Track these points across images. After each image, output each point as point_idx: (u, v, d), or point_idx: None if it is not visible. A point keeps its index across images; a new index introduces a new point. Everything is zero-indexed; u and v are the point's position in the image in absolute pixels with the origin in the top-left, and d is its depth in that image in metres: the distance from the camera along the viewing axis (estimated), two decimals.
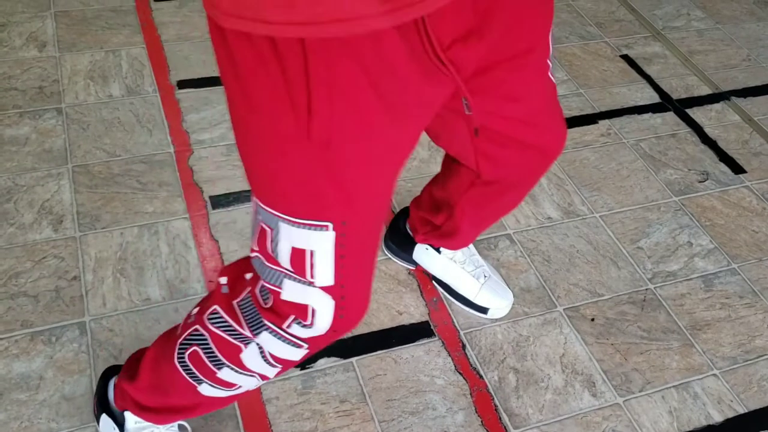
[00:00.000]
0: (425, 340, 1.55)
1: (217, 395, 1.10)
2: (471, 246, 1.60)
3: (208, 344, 1.04)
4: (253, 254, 0.96)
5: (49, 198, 1.72)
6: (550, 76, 1.11)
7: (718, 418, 1.49)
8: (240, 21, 0.72)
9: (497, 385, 1.49)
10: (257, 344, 1.00)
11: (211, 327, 1.04)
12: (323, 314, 0.95)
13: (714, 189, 1.99)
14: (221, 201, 1.76)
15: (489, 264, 1.64)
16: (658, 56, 2.44)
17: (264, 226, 0.91)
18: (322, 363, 1.48)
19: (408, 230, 1.62)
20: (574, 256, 1.76)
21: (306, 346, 1.00)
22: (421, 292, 1.64)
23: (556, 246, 1.78)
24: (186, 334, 1.08)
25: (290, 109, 0.77)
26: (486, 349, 1.55)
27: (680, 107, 2.24)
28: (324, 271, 0.90)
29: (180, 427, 1.27)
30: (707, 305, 1.69)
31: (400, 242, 1.65)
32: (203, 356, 1.05)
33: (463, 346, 1.55)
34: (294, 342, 0.99)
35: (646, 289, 1.71)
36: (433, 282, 1.64)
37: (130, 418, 1.21)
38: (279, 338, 0.98)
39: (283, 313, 0.96)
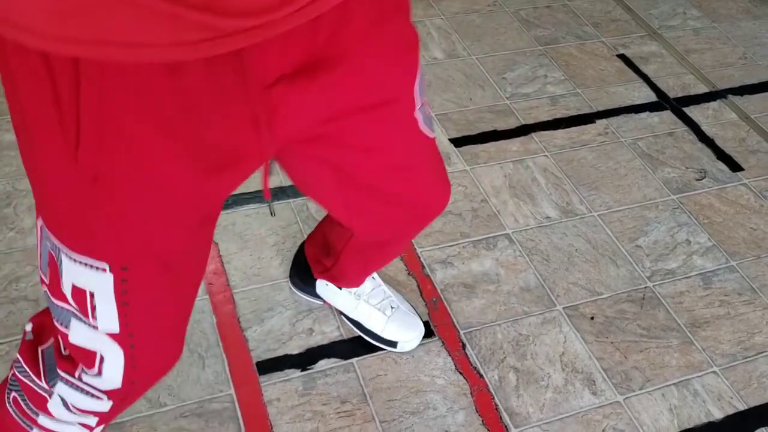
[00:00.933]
0: (425, 340, 1.55)
1: None
2: (375, 275, 1.52)
3: (20, 391, 1.00)
4: (43, 287, 0.86)
5: None
6: (424, 130, 0.99)
7: (718, 415, 1.49)
8: (9, 29, 0.58)
9: (497, 384, 1.49)
10: (58, 395, 0.94)
11: (18, 375, 0.99)
12: (112, 364, 0.87)
13: (712, 187, 1.99)
14: None
15: (396, 293, 1.57)
16: (654, 55, 2.45)
17: (51, 253, 0.81)
18: (323, 364, 1.48)
19: (308, 265, 1.54)
20: (573, 255, 1.76)
21: (106, 398, 0.93)
22: (420, 292, 1.64)
23: (554, 245, 1.78)
24: (8, 377, 1.03)
25: (60, 135, 0.69)
26: (486, 348, 1.55)
27: (677, 106, 2.25)
28: (106, 316, 0.82)
29: None
30: (706, 303, 1.70)
31: (303, 278, 1.56)
32: (21, 403, 1.00)
33: (463, 346, 1.55)
34: (90, 393, 0.92)
35: (645, 288, 1.71)
36: (342, 317, 1.56)
37: None
38: (75, 389, 0.92)
39: (75, 359, 0.89)
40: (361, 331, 1.53)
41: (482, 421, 1.43)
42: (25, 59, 0.66)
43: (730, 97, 2.31)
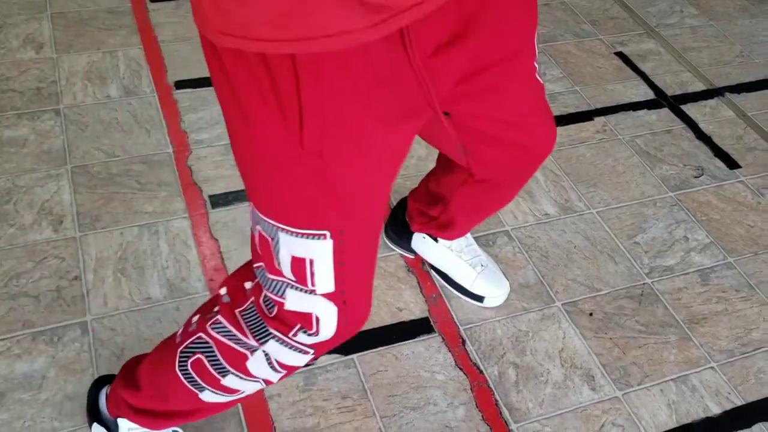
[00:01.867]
0: (425, 336, 1.56)
1: (218, 401, 1.11)
2: (468, 236, 1.62)
3: (213, 352, 1.05)
4: (256, 265, 0.98)
5: (48, 198, 1.72)
6: (538, 77, 1.12)
7: (716, 410, 1.50)
8: (231, 39, 0.72)
9: (497, 379, 1.50)
10: (264, 352, 1.01)
11: (215, 335, 1.04)
12: (327, 321, 0.96)
13: (709, 184, 2.00)
14: (220, 200, 1.77)
15: (486, 254, 1.66)
16: (652, 53, 2.46)
17: (264, 235, 0.92)
18: (324, 360, 1.49)
19: (406, 220, 1.63)
20: (572, 251, 1.77)
21: (312, 351, 1.01)
22: (420, 288, 1.65)
23: (553, 242, 1.79)
24: (188, 342, 1.08)
25: (282, 123, 0.79)
26: (486, 344, 1.56)
27: (675, 103, 2.26)
28: (324, 278, 0.92)
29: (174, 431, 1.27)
30: (704, 299, 1.71)
31: (400, 232, 1.66)
32: (207, 364, 1.06)
33: (463, 342, 1.56)
34: (300, 348, 1.00)
35: (644, 284, 1.72)
36: (431, 270, 1.66)
37: (124, 425, 1.21)
38: (285, 346, 1.00)
39: (288, 322, 0.97)
40: (450, 284, 1.63)
41: (482, 416, 1.44)
42: (243, 63, 0.76)
43: (728, 94, 2.32)
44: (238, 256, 1.65)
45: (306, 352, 1.01)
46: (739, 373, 1.57)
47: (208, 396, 1.09)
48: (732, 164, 2.07)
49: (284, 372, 1.05)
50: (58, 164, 1.80)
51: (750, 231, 1.89)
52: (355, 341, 1.51)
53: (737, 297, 1.72)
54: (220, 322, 1.03)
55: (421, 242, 1.62)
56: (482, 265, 1.61)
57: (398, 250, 1.69)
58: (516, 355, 1.55)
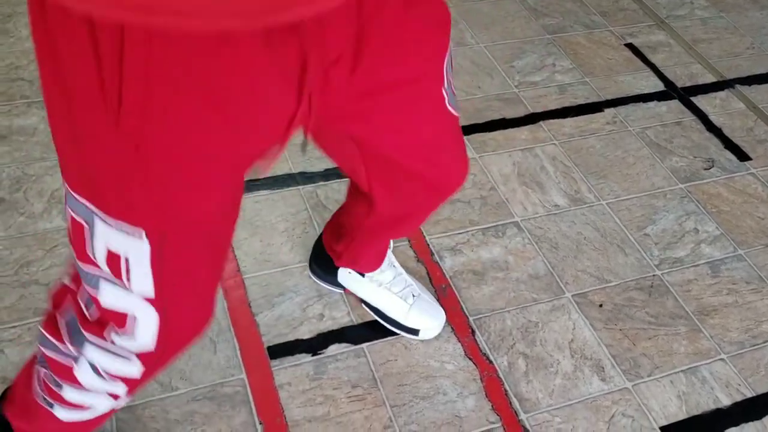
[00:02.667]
0: None
1: (76, 419, 1.04)
2: (396, 265, 1.53)
3: (46, 365, 0.99)
4: (71, 254, 0.87)
5: (58, 187, 1.72)
6: (449, 107, 1.01)
7: (726, 401, 1.50)
8: None
9: (507, 370, 1.50)
10: (86, 360, 0.94)
11: (42, 348, 0.99)
12: (145, 326, 0.87)
13: (719, 176, 1.99)
14: None
15: (418, 282, 1.57)
16: (662, 45, 2.45)
17: (77, 218, 0.81)
18: (334, 349, 1.49)
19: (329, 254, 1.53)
20: (582, 243, 1.77)
21: (137, 360, 0.92)
22: (430, 279, 1.65)
23: (563, 233, 1.79)
24: (35, 357, 1.04)
25: (101, 99, 0.69)
26: (495, 334, 1.56)
27: (685, 95, 2.25)
28: (142, 281, 0.82)
29: None
30: (714, 291, 1.70)
31: (324, 266, 1.55)
32: (47, 378, 1.01)
33: (473, 332, 1.56)
34: (120, 355, 0.92)
35: (654, 276, 1.72)
36: (363, 305, 1.56)
37: None
38: (104, 351, 0.91)
39: (103, 321, 0.89)
40: (383, 319, 1.53)
41: (492, 406, 1.44)
42: (67, 23, 0.65)
43: (738, 86, 2.31)
44: (247, 245, 1.65)
45: (129, 359, 0.91)
46: (750, 365, 1.57)
47: (62, 413, 1.02)
48: (743, 156, 2.06)
49: (121, 384, 0.96)
50: None
51: (760, 223, 1.88)
52: (365, 330, 1.52)
53: (747, 289, 1.72)
54: (42, 334, 0.97)
55: (347, 277, 1.52)
56: (414, 296, 1.51)
57: (325, 286, 1.58)
58: (526, 346, 1.55)
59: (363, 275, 1.50)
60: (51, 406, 1.03)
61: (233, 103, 0.72)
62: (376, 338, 1.52)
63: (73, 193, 0.79)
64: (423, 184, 1.12)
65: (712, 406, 1.49)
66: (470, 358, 1.51)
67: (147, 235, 0.78)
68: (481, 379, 1.48)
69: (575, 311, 1.62)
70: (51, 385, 1.00)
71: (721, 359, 1.57)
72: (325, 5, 0.62)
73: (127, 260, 0.80)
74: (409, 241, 1.70)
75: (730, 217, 1.89)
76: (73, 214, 0.81)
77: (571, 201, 1.87)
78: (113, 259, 0.80)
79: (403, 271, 1.54)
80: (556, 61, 2.30)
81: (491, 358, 1.52)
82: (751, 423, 1.47)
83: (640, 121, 2.13)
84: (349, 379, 1.45)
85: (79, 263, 0.84)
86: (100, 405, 1.02)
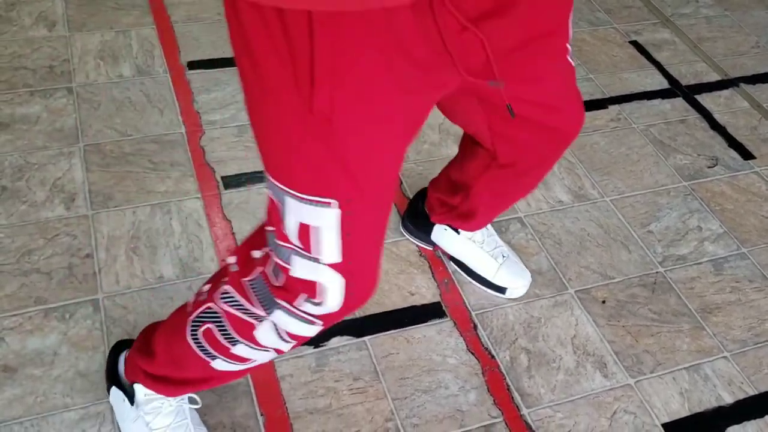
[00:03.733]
0: (437, 321, 1.55)
1: (230, 369, 1.11)
2: (489, 226, 1.60)
3: (221, 322, 1.05)
4: (268, 228, 0.97)
5: (60, 176, 1.72)
6: (569, 59, 1.11)
7: (728, 399, 1.50)
8: None
9: (509, 365, 1.50)
10: (271, 321, 1.00)
11: (223, 305, 1.04)
12: (333, 292, 0.95)
13: (723, 174, 1.99)
14: (233, 181, 1.76)
15: (507, 245, 1.65)
16: (667, 42, 2.44)
17: (273, 199, 0.91)
18: (336, 342, 1.48)
19: (426, 211, 1.62)
20: (585, 239, 1.76)
21: (320, 322, 1.00)
22: (432, 273, 1.64)
23: (567, 229, 1.78)
24: (198, 312, 1.08)
25: (294, 84, 0.77)
26: (498, 329, 1.55)
27: (689, 93, 2.24)
28: (330, 248, 0.90)
29: (190, 399, 1.27)
30: (717, 289, 1.70)
31: (418, 223, 1.65)
32: (217, 334, 1.06)
33: (475, 327, 1.55)
34: (307, 319, 0.99)
35: (657, 273, 1.71)
36: (451, 262, 1.64)
37: (140, 390, 1.22)
38: (292, 316, 0.98)
39: (293, 290, 0.96)
40: (470, 276, 1.62)
41: (494, 401, 1.44)
42: (258, 15, 0.74)
43: (743, 85, 2.30)
44: None
45: (313, 323, 0.99)
46: (752, 363, 1.56)
47: (220, 364, 1.09)
48: (746, 155, 2.06)
49: (293, 342, 1.04)
50: (71, 142, 1.80)
51: (764, 221, 1.88)
52: (367, 324, 1.52)
53: (751, 287, 1.71)
54: (228, 292, 1.03)
55: (441, 234, 1.61)
56: (504, 256, 1.60)
57: (416, 242, 1.67)
58: (528, 341, 1.54)
59: (458, 232, 1.57)
60: (213, 358, 1.08)
61: (401, 65, 0.80)
62: (378, 331, 1.51)
63: (269, 177, 0.89)
64: (547, 134, 1.20)
65: (714, 404, 1.49)
66: (472, 353, 1.51)
67: (339, 204, 0.86)
68: (483, 373, 1.48)
69: (578, 307, 1.62)
70: (221, 340, 1.05)
71: (724, 357, 1.57)
72: None
73: (318, 229, 0.88)
74: (405, 235, 1.69)
75: (733, 215, 1.88)
76: (271, 195, 0.91)
77: (574, 197, 1.86)
78: (304, 231, 0.89)
79: (494, 232, 1.63)
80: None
81: (493, 352, 1.51)
82: (753, 421, 1.47)
83: (645, 118, 2.13)
84: (351, 372, 1.44)
85: (276, 240, 0.93)
86: (262, 359, 1.09)
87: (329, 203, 0.86)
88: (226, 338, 1.05)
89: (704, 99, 2.23)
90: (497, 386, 1.46)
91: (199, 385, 1.18)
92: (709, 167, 2.01)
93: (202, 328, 1.07)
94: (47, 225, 1.61)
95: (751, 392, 1.51)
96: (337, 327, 1.50)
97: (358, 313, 1.54)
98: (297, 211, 0.88)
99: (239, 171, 1.78)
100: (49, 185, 1.69)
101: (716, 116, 2.17)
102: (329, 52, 0.75)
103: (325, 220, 0.88)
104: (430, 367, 1.47)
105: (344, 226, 0.89)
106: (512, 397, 1.45)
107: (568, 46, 1.09)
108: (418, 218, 1.65)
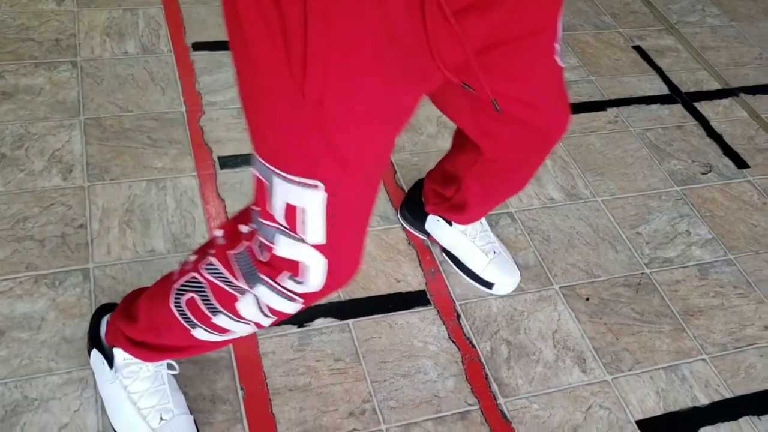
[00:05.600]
0: (421, 308, 1.57)
1: (209, 339, 1.13)
2: (483, 222, 1.63)
3: (204, 292, 1.07)
4: (254, 208, 0.99)
5: (60, 147, 1.74)
6: (557, 59, 1.12)
7: (704, 400, 1.51)
8: None
9: (489, 355, 1.52)
10: (254, 295, 1.03)
11: (208, 276, 1.06)
12: (315, 272, 0.97)
13: (716, 181, 2.00)
14: (229, 162, 1.78)
15: (500, 242, 1.67)
16: (670, 49, 2.45)
17: (260, 178, 0.93)
18: (319, 323, 1.51)
19: (422, 201, 1.64)
20: (574, 237, 1.78)
21: (300, 300, 1.02)
22: (419, 262, 1.66)
23: (556, 226, 1.80)
24: (183, 280, 1.10)
25: (286, 65, 0.79)
26: (480, 320, 1.57)
27: (688, 100, 2.26)
28: (315, 229, 0.92)
29: (168, 365, 1.29)
30: (701, 293, 1.72)
31: (415, 212, 1.67)
32: (199, 302, 1.08)
33: (458, 316, 1.57)
34: (288, 296, 1.01)
35: (642, 274, 1.73)
36: (443, 254, 1.66)
37: (119, 354, 1.25)
38: (274, 291, 1.01)
39: (277, 267, 0.98)
40: (459, 268, 1.64)
41: (471, 389, 1.46)
42: (253, 0, 0.76)
43: (743, 95, 2.31)
44: None
45: (294, 300, 1.01)
46: (730, 367, 1.58)
47: (201, 334, 1.11)
48: (741, 164, 2.07)
49: (274, 318, 1.06)
50: (72, 115, 1.82)
51: (753, 230, 1.89)
52: (351, 307, 1.54)
53: (735, 293, 1.73)
54: (213, 264, 1.05)
55: (435, 224, 1.63)
56: (495, 252, 1.62)
57: (412, 231, 1.70)
58: (510, 333, 1.56)
59: (450, 224, 1.59)
60: (193, 327, 1.10)
61: (390, 54, 0.81)
62: (362, 315, 1.53)
63: (258, 156, 0.91)
64: (530, 133, 1.21)
65: (690, 404, 1.50)
66: (453, 341, 1.53)
67: (325, 186, 0.88)
68: (462, 361, 1.50)
69: (561, 303, 1.64)
70: (203, 309, 1.07)
71: (703, 359, 1.59)
72: None
73: (303, 211, 0.90)
74: (401, 223, 1.71)
75: (723, 222, 1.90)
76: (257, 173, 0.92)
77: (566, 195, 1.88)
78: (291, 212, 0.91)
79: (488, 228, 1.64)
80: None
81: (474, 342, 1.53)
82: (726, 423, 1.49)
83: (642, 122, 2.14)
84: (332, 353, 1.46)
85: (260, 219, 0.95)
86: (242, 331, 1.11)
87: (316, 186, 0.88)
88: (208, 308, 1.07)
89: (703, 107, 2.25)
90: (476, 375, 1.48)
91: (177, 352, 1.20)
92: (702, 174, 2.02)
93: (186, 297, 1.09)
94: (43, 194, 1.64)
95: (727, 395, 1.53)
96: (321, 308, 1.53)
97: (343, 296, 1.56)
98: (284, 192, 0.90)
99: (236, 152, 1.81)
100: (48, 155, 1.72)
101: (713, 124, 2.19)
102: (323, 40, 0.76)
103: (311, 203, 0.89)
104: (410, 353, 1.49)
105: (330, 209, 0.91)
106: (490, 387, 1.47)
107: (557, 45, 1.09)
108: (414, 207, 1.67)
